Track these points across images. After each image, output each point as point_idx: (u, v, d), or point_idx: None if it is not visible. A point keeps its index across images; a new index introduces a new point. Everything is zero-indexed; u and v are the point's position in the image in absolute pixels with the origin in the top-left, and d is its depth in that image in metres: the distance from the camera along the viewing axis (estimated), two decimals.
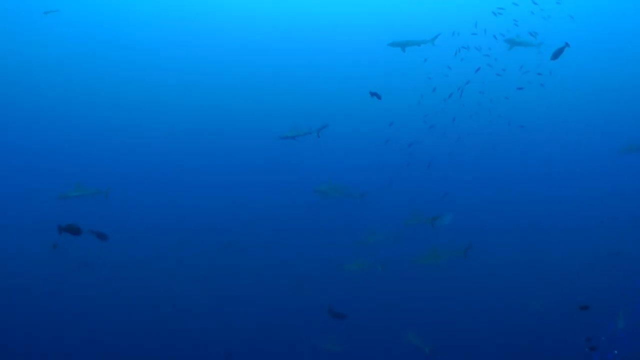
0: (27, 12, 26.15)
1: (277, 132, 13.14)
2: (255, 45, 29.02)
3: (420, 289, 15.91)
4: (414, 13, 26.37)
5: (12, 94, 26.63)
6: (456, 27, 18.39)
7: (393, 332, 13.24)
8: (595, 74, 28.01)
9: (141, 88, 28.77)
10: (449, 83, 18.18)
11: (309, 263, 17.34)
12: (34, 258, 16.28)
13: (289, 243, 18.95)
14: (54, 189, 13.25)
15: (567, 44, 11.23)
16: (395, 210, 16.67)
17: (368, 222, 17.15)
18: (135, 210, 20.91)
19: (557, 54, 11.47)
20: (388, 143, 19.24)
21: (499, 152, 25.01)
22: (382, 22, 26.22)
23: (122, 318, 15.20)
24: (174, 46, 29.04)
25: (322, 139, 13.33)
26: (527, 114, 23.47)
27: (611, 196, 22.88)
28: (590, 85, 28.23)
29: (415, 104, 19.45)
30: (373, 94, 11.44)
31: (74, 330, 14.66)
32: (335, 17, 28.37)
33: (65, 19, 26.25)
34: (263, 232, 19.71)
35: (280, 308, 15.66)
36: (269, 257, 18.27)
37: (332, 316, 12.19)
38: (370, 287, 15.75)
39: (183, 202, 22.79)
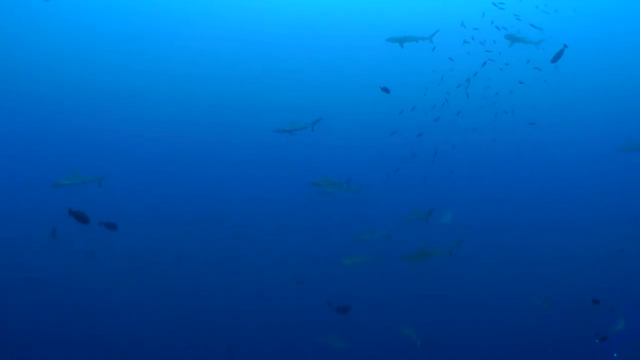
0: None
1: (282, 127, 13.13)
2: (268, 41, 28.93)
3: (424, 286, 15.90)
4: (420, 6, 26.23)
5: (11, 83, 26.45)
6: (462, 20, 18.32)
7: (395, 329, 13.21)
8: (600, 69, 27.94)
9: (147, 80, 28.69)
10: (454, 78, 18.13)
11: (308, 259, 17.29)
12: (39, 248, 16.23)
13: (287, 239, 18.91)
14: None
15: (565, 46, 11.20)
16: (395, 206, 16.68)
17: (369, 217, 17.15)
18: (134, 202, 20.82)
19: (556, 57, 11.44)
20: (391, 137, 19.19)
21: (503, 149, 24.99)
22: (387, 15, 26.11)
23: (125, 311, 15.18)
24: (178, 39, 28.89)
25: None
26: (533, 110, 23.42)
27: (615, 195, 22.92)
28: (595, 82, 28.17)
29: (419, 97, 19.39)
30: (383, 89, 11.36)
31: (76, 323, 14.61)
32: (342, 11, 28.21)
33: (65, 5, 26.06)
34: (263, 228, 19.72)
35: (281, 305, 15.65)
36: (269, 255, 18.23)
37: (333, 310, 12.12)
38: (373, 284, 15.76)
39: (181, 195, 22.72)
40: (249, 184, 23.76)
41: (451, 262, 13.78)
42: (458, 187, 22.10)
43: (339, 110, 25.25)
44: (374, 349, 13.89)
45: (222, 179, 24.20)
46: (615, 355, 11.42)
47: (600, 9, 26.51)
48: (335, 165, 21.20)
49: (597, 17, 26.56)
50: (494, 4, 16.97)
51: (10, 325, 14.11)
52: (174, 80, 28.58)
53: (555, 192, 23.74)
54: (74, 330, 14.31)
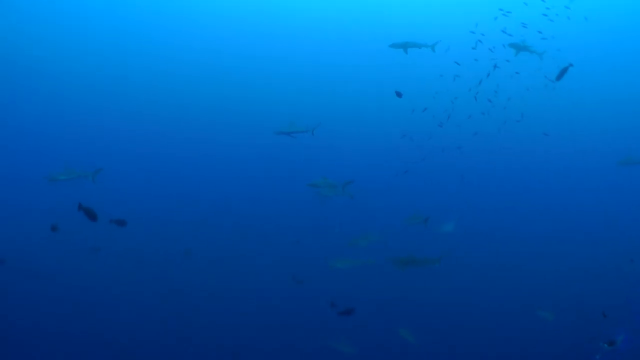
0: None
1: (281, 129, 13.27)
2: (280, 44, 29.13)
3: (428, 292, 15.75)
4: (432, 11, 26.28)
5: (10, 80, 26.74)
6: (475, 24, 18.29)
7: (396, 331, 13.09)
8: (611, 77, 27.75)
9: (152, 82, 28.94)
10: (461, 83, 18.10)
11: (310, 260, 17.18)
12: (41, 243, 16.28)
13: (288, 240, 18.85)
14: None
15: (570, 64, 11.23)
16: (399, 209, 16.56)
17: (371, 220, 17.07)
18: (133, 200, 20.84)
19: (561, 75, 11.45)
20: (396, 141, 19.21)
21: (510, 155, 24.84)
22: (396, 19, 26.17)
23: (125, 308, 15.19)
24: (183, 38, 29.12)
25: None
26: (542, 118, 23.28)
27: (624, 204, 22.69)
28: (605, 91, 27.98)
29: (426, 102, 19.33)
30: (397, 93, 11.45)
31: (77, 320, 14.64)
32: (349, 14, 28.32)
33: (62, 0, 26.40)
34: (265, 229, 19.73)
35: (282, 306, 15.58)
36: (270, 255, 18.19)
37: (337, 311, 12.00)
38: (374, 285, 15.63)
39: (182, 194, 22.75)
40: (252, 184, 23.78)
41: (455, 269, 13.73)
42: (465, 192, 22.00)
43: (345, 113, 25.32)
44: (373, 349, 13.77)
45: (225, 178, 24.23)
46: None
47: (612, 17, 26.36)
48: (343, 167, 21.11)
49: (608, 25, 26.40)
50: (500, 9, 17.00)
51: (11, 320, 14.16)
52: (181, 80, 28.79)
53: (563, 201, 23.56)
54: (75, 327, 14.34)
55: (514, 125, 21.46)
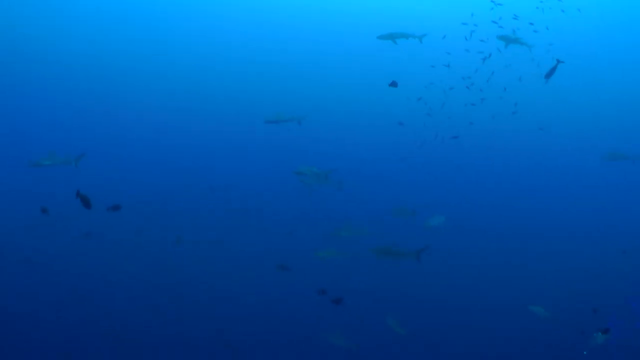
0: None
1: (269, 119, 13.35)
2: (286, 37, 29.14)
3: (421, 286, 15.78)
4: (426, 3, 26.31)
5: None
6: (463, 18, 18.34)
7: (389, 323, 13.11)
8: (605, 70, 27.80)
9: (146, 74, 28.95)
10: (453, 73, 18.14)
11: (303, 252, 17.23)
12: (34, 229, 16.29)
13: (280, 230, 18.91)
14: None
15: (559, 61, 11.25)
16: (389, 201, 16.62)
17: (361, 212, 17.11)
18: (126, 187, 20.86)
19: (550, 73, 11.45)
20: (395, 131, 19.23)
21: (504, 151, 24.90)
22: (387, 12, 26.19)
23: (120, 296, 15.25)
24: (173, 29, 29.11)
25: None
26: (536, 110, 23.32)
27: (616, 198, 22.78)
28: (599, 83, 28.03)
29: (421, 92, 19.37)
30: (391, 84, 11.43)
31: (73, 308, 14.68)
32: (342, 6, 28.33)
33: None
34: (259, 219, 19.79)
35: (273, 296, 15.67)
36: (262, 244, 18.25)
37: (327, 299, 12.01)
38: (371, 276, 15.70)
39: (177, 183, 22.79)
40: (247, 171, 23.84)
41: (446, 262, 13.74)
42: (457, 184, 22.06)
43: (341, 104, 25.33)
44: (365, 341, 13.80)
45: (218, 166, 24.29)
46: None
47: (606, 9, 26.39)
48: (340, 158, 21.15)
49: (602, 17, 26.44)
50: (492, 0, 17.03)
51: (10, 310, 14.20)
52: (174, 70, 28.84)
53: (558, 196, 23.61)
54: (69, 314, 14.35)
55: (509, 117, 21.50)
